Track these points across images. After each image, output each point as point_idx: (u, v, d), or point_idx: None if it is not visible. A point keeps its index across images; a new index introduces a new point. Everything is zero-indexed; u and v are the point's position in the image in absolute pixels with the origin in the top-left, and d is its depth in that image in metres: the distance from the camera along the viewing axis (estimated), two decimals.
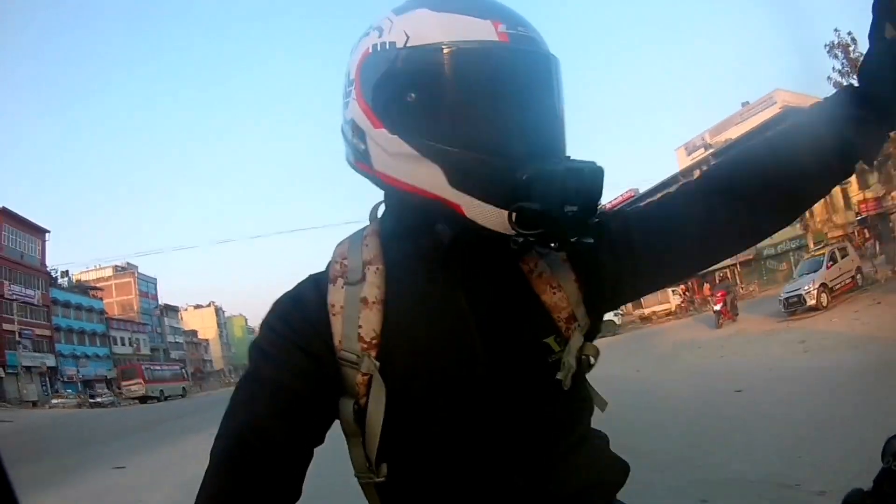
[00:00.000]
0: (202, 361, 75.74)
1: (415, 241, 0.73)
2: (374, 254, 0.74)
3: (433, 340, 0.71)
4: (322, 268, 0.78)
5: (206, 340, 79.28)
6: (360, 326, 0.70)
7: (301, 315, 0.72)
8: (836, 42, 21.55)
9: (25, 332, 37.52)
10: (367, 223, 0.79)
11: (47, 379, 39.52)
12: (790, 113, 2.85)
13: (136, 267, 61.05)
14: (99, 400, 33.85)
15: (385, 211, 0.78)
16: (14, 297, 37.15)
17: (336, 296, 0.72)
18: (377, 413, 0.69)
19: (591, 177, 0.64)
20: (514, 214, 0.64)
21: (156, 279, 63.98)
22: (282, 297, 0.76)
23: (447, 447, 0.71)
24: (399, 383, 0.70)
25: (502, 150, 0.65)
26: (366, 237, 0.76)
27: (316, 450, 0.72)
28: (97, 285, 53.06)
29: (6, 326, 35.86)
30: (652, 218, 0.77)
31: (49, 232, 43.31)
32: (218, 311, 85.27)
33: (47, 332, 40.80)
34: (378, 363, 0.69)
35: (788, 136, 0.74)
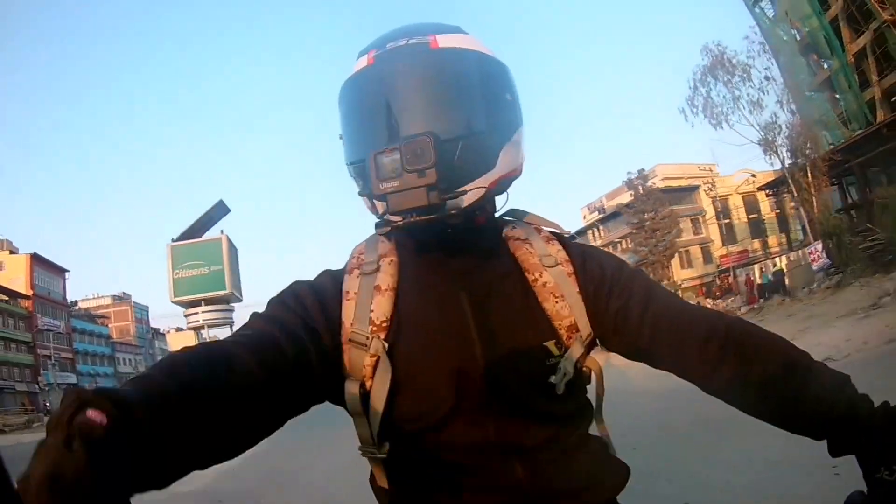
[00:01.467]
0: None
1: (413, 238, 0.80)
2: (389, 248, 0.81)
3: (434, 328, 0.75)
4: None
5: None
6: (371, 310, 0.75)
7: (314, 297, 0.76)
8: (632, 179, 29.47)
9: (55, 355, 45.36)
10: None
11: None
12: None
13: (131, 296, 68.86)
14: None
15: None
16: (45, 327, 45.07)
17: (351, 283, 0.78)
18: (381, 393, 0.72)
19: (412, 148, 0.69)
20: (368, 202, 0.78)
21: (148, 307, 71.55)
22: (299, 281, 0.81)
23: (447, 432, 0.73)
24: (404, 365, 0.73)
25: (365, 150, 0.74)
26: (380, 237, 0.83)
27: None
28: (100, 313, 60.69)
29: (41, 351, 43.72)
30: (673, 310, 0.79)
31: (69, 271, 51.21)
32: (198, 333, 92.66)
33: (69, 356, 48.56)
34: (386, 345, 0.73)
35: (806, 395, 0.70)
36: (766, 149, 21.76)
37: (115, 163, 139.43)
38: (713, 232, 36.88)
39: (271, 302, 0.76)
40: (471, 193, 0.75)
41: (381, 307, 0.75)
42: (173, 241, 40.86)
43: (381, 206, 0.75)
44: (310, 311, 0.74)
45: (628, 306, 0.78)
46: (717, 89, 21.92)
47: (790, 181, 21.49)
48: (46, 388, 43.14)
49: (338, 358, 0.74)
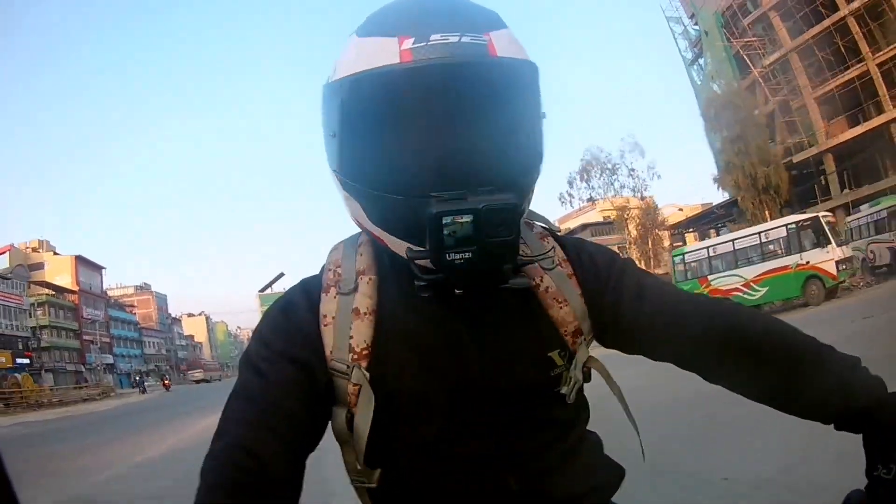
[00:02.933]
0: (199, 360, 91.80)
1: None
2: (368, 264, 0.72)
3: (424, 351, 0.69)
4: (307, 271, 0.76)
5: (200, 343, 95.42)
6: (350, 337, 0.68)
7: (292, 325, 0.70)
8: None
9: (97, 340, 53.24)
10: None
11: (109, 373, 55.19)
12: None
13: (151, 285, 76.62)
14: (167, 383, 50.19)
15: None
16: (89, 317, 52.89)
17: (329, 306, 0.70)
18: (364, 422, 0.68)
19: (491, 216, 0.57)
20: (411, 258, 0.62)
21: (166, 295, 79.48)
22: (272, 306, 0.74)
23: (438, 454, 0.70)
24: (389, 392, 0.68)
25: (404, 184, 0.62)
26: (360, 245, 0.74)
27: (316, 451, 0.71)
28: (127, 302, 68.39)
29: (86, 337, 51.64)
30: (668, 303, 0.73)
31: (105, 268, 58.93)
32: (207, 319, 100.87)
33: (108, 340, 56.59)
34: (368, 374, 0.68)
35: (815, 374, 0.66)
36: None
37: (121, 157, 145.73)
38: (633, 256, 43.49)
39: (253, 342, 0.71)
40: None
41: (361, 333, 0.68)
42: (259, 291, 48.21)
43: (421, 261, 0.61)
44: (294, 343, 0.69)
45: (621, 302, 0.73)
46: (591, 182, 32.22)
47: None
48: (90, 368, 51.08)
49: (328, 383, 0.69)
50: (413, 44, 0.60)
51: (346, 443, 0.71)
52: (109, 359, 55.90)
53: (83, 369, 50.21)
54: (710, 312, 0.72)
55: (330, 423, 0.72)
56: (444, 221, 0.57)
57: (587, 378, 0.77)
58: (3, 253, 46.21)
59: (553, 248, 0.76)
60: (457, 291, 0.64)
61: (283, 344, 0.68)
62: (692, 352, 0.72)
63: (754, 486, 2.84)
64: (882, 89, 23.24)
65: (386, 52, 0.61)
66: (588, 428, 0.81)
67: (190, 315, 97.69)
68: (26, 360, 40.50)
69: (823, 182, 26.29)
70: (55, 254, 53.57)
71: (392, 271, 0.71)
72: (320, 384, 0.68)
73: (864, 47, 23.71)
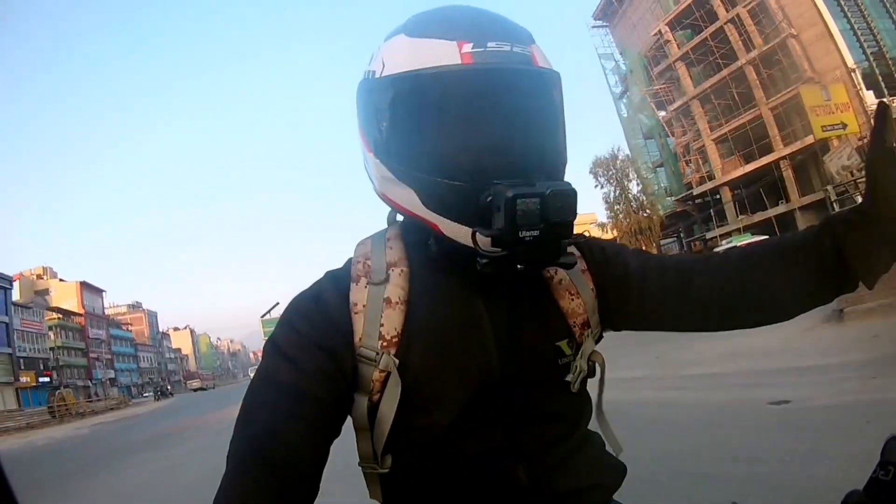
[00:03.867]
0: (197, 371, 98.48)
1: (430, 249, 0.74)
2: (399, 256, 0.75)
3: (450, 340, 0.72)
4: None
5: (186, 355, 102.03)
6: (381, 325, 0.71)
7: (322, 313, 0.72)
8: None
9: (101, 357, 59.87)
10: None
11: (113, 386, 61.82)
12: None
13: (141, 303, 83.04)
14: (168, 391, 57.05)
15: (404, 218, 0.78)
16: (94, 336, 59.38)
17: (359, 295, 0.72)
18: (389, 409, 0.70)
19: (556, 200, 0.64)
20: (476, 234, 0.66)
21: (156, 312, 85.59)
22: (301, 294, 0.75)
23: (450, 443, 0.72)
24: (415, 380, 0.70)
25: (465, 172, 0.67)
26: (389, 239, 0.78)
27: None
28: (121, 320, 74.82)
29: (91, 355, 57.90)
30: (669, 270, 0.78)
31: (105, 291, 65.23)
32: (192, 332, 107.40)
33: (109, 356, 62.79)
34: (397, 360, 0.70)
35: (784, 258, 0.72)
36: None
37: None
38: None
39: (281, 328, 0.72)
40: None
41: (392, 321, 0.71)
42: (262, 317, 54.59)
43: (483, 240, 0.65)
44: (322, 331, 0.70)
45: (627, 280, 0.79)
46: None
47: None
48: (96, 383, 57.81)
49: (354, 371, 0.71)
50: (472, 48, 0.67)
51: (363, 430, 0.73)
52: (112, 374, 62.45)
53: (90, 384, 56.74)
54: (711, 262, 0.77)
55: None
56: (517, 203, 0.63)
57: (591, 372, 0.79)
58: (16, 280, 52.65)
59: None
60: (518, 267, 0.68)
61: (313, 330, 0.70)
62: (701, 306, 0.76)
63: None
64: (773, 130, 26.70)
65: (447, 54, 0.67)
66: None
67: (175, 329, 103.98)
68: (47, 379, 46.94)
69: (721, 210, 30.28)
70: (61, 280, 59.76)
71: (420, 264, 0.75)
72: (347, 372, 0.70)
73: (758, 94, 27.06)
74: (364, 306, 0.72)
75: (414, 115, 0.69)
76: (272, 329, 0.74)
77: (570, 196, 0.65)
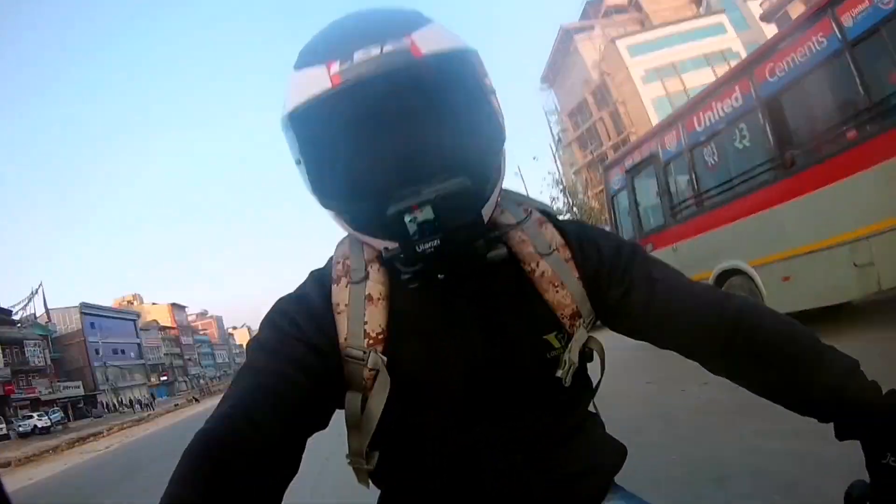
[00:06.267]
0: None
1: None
2: (376, 253, 0.73)
3: (435, 336, 0.72)
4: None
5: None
6: (365, 322, 0.70)
7: (306, 313, 0.71)
8: None
9: (192, 358, 78.28)
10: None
11: (202, 379, 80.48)
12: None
13: (208, 311, 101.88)
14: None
15: None
16: (185, 343, 77.73)
17: (341, 295, 0.72)
18: (377, 405, 0.70)
19: (447, 203, 0.61)
20: (385, 253, 0.66)
21: (222, 317, 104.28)
22: (285, 296, 0.75)
23: (444, 436, 0.73)
24: (404, 374, 0.70)
25: (366, 193, 0.66)
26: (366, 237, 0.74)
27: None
28: (198, 327, 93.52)
29: (185, 357, 76.62)
30: (677, 295, 0.75)
31: (187, 307, 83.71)
32: (249, 329, 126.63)
33: (196, 357, 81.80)
34: (385, 358, 0.69)
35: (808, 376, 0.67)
36: None
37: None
38: None
39: (263, 328, 0.72)
40: (486, 213, 0.70)
41: (375, 318, 0.71)
42: None
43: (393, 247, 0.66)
44: (305, 330, 0.70)
45: (631, 294, 0.75)
46: None
47: None
48: (191, 378, 76.49)
49: (339, 370, 0.70)
50: (339, 66, 0.64)
51: (354, 427, 0.73)
52: (198, 370, 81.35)
53: (186, 380, 75.50)
54: (717, 306, 0.73)
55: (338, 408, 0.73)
56: (405, 217, 0.61)
57: (589, 358, 0.79)
58: (115, 307, 70.43)
59: (552, 233, 0.77)
60: (439, 276, 0.66)
61: (296, 329, 0.70)
62: (697, 344, 0.74)
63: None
64: None
65: (319, 80, 0.65)
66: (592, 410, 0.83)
67: (234, 328, 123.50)
68: (165, 378, 65.37)
69: None
70: (154, 304, 78.06)
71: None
72: (331, 369, 0.69)
73: None
74: (346, 306, 0.71)
75: (310, 148, 0.69)
76: None
77: (463, 194, 0.62)
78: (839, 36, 4.51)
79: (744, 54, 34.70)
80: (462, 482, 0.74)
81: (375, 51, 0.64)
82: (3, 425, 32.09)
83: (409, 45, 0.65)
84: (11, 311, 42.39)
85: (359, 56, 0.64)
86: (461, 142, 0.67)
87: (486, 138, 0.70)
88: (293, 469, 0.64)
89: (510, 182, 0.78)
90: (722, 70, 36.28)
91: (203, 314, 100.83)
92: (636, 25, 45.44)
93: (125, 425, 30.74)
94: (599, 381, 0.83)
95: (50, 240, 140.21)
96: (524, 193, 0.82)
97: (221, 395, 0.67)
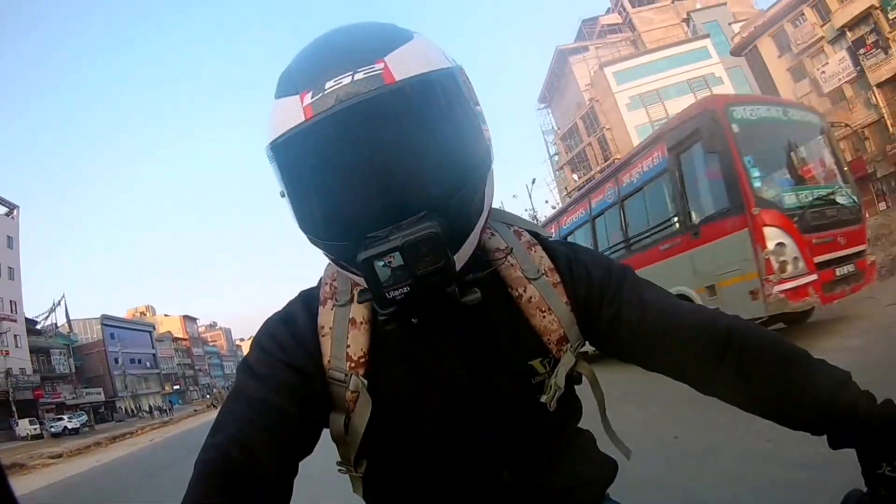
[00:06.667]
0: None
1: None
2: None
3: (418, 360, 0.72)
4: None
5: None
6: (348, 346, 0.71)
7: (291, 335, 0.72)
8: None
9: (202, 369, 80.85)
10: None
11: (213, 388, 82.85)
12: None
13: (217, 322, 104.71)
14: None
15: None
16: (196, 353, 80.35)
17: (326, 317, 0.73)
18: (360, 424, 0.71)
19: (415, 250, 0.59)
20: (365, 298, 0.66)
21: (230, 328, 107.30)
22: (273, 317, 0.76)
23: (430, 453, 0.74)
24: (386, 397, 0.71)
25: (340, 231, 0.65)
26: None
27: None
28: (207, 338, 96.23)
29: (196, 367, 79.15)
30: (666, 316, 0.74)
31: (198, 319, 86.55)
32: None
33: (206, 367, 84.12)
34: (365, 381, 0.70)
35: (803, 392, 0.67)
36: None
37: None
38: None
39: (253, 350, 0.73)
40: (465, 250, 0.68)
41: (358, 342, 0.71)
42: None
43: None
44: (290, 353, 0.71)
45: (620, 316, 0.74)
46: None
47: None
48: (202, 387, 78.97)
49: (325, 390, 0.72)
50: (312, 97, 0.61)
51: (341, 443, 0.75)
52: (208, 380, 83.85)
53: (196, 389, 77.99)
54: (707, 327, 0.73)
55: (327, 428, 0.74)
56: (375, 264, 0.59)
57: (577, 381, 0.79)
58: (129, 318, 73.25)
59: (541, 257, 0.77)
60: (413, 321, 0.65)
61: (282, 352, 0.71)
62: (687, 366, 0.73)
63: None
64: None
65: (293, 111, 0.62)
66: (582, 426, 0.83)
67: (241, 340, 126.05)
68: (178, 387, 67.90)
69: None
70: (166, 315, 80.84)
71: None
72: (317, 392, 0.71)
73: None
74: (331, 328, 0.72)
75: (289, 181, 0.66)
76: None
77: (430, 241, 0.59)
78: (617, 192, 7.69)
79: (726, 79, 37.60)
80: (449, 498, 0.75)
81: (346, 79, 0.61)
82: (38, 426, 34.59)
83: (381, 70, 0.61)
84: (37, 322, 45.06)
85: (329, 85, 0.61)
86: (436, 176, 0.64)
87: (466, 167, 0.66)
88: (288, 494, 0.66)
89: (512, 204, 2.11)
90: (703, 95, 39.28)
91: (212, 326, 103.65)
92: (629, 46, 48.46)
93: (154, 427, 33.53)
94: (604, 408, 0.85)
95: (68, 252, 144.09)
96: (515, 214, 0.83)
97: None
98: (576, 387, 0.82)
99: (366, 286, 0.64)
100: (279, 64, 0.71)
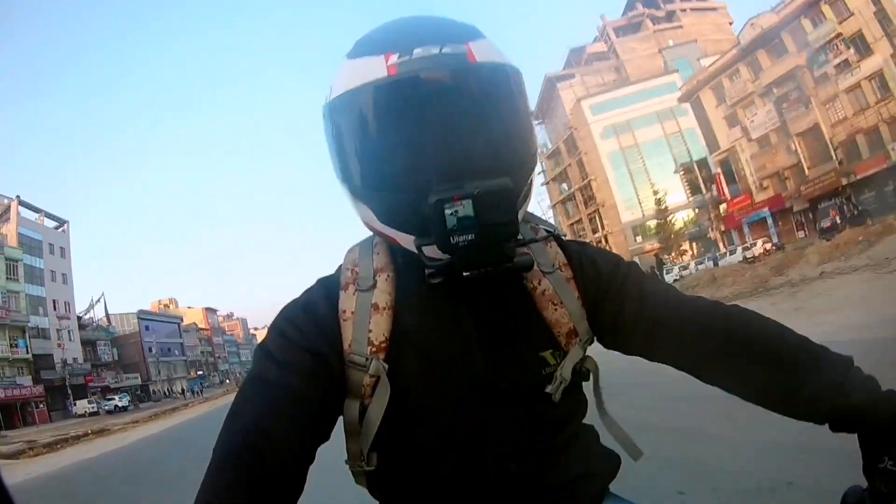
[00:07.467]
0: None
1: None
2: (385, 262, 0.76)
3: (437, 347, 0.73)
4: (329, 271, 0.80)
5: None
6: (370, 330, 0.72)
7: (311, 320, 0.73)
8: None
9: (221, 356, 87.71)
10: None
11: (231, 374, 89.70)
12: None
13: (234, 313, 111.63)
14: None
15: None
16: (217, 342, 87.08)
17: (348, 302, 0.74)
18: (377, 412, 0.71)
19: (487, 199, 0.62)
20: (418, 244, 0.67)
21: (246, 319, 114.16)
22: (292, 302, 0.76)
23: (440, 444, 0.74)
24: (404, 384, 0.72)
25: (406, 183, 0.67)
26: (375, 245, 0.79)
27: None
28: (225, 328, 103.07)
29: (216, 354, 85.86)
30: (667, 307, 0.76)
31: (218, 310, 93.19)
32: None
33: (225, 355, 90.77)
34: (386, 365, 0.71)
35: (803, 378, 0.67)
36: None
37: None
38: None
39: (271, 335, 0.74)
40: (520, 217, 0.70)
41: (380, 327, 0.73)
42: None
43: (429, 250, 0.67)
44: (310, 338, 0.72)
45: (623, 308, 0.77)
46: None
47: None
48: (221, 373, 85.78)
49: (342, 376, 0.72)
50: (398, 59, 0.67)
51: (353, 433, 0.75)
52: (226, 366, 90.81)
53: (216, 374, 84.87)
54: (707, 315, 0.74)
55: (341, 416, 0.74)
56: (445, 207, 0.62)
57: (584, 377, 0.80)
58: (167, 307, 79.90)
59: (556, 252, 0.80)
60: (465, 274, 0.67)
61: (302, 338, 0.72)
62: (689, 354, 0.74)
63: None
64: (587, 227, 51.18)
65: (375, 69, 0.68)
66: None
67: (256, 329, 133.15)
68: (201, 372, 74.63)
69: None
70: (189, 307, 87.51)
71: (406, 270, 0.76)
72: (335, 377, 0.71)
73: (581, 208, 51.40)
74: (353, 313, 0.73)
75: (353, 134, 0.70)
76: None
77: (503, 194, 0.63)
78: None
79: (690, 112, 42.74)
80: (458, 489, 0.75)
81: (435, 50, 0.67)
82: (95, 405, 41.51)
83: (466, 51, 0.68)
84: (81, 317, 51.69)
85: (418, 52, 0.67)
86: (502, 147, 0.69)
87: (527, 153, 0.73)
88: (303, 482, 0.67)
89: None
90: (669, 125, 45.40)
91: (229, 316, 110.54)
92: (612, 73, 53.58)
93: (194, 404, 40.07)
94: (600, 398, 0.87)
95: (100, 248, 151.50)
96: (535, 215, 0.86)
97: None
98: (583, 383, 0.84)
99: (406, 244, 0.70)
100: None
